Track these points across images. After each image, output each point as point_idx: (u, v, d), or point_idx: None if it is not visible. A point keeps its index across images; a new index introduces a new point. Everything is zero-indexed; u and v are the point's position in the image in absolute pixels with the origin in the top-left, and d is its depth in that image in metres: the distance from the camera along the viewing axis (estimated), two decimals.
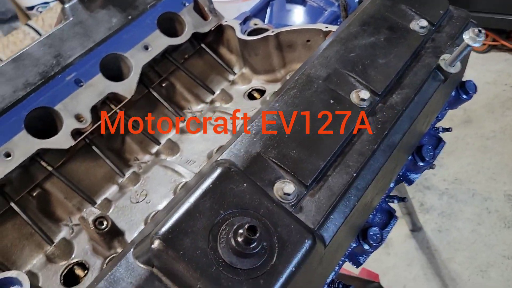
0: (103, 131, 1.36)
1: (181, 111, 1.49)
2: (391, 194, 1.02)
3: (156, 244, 0.62)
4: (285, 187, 0.71)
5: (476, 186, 3.32)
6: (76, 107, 1.27)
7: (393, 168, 0.88)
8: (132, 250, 0.65)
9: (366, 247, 0.89)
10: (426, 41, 0.97)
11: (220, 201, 0.66)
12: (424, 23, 0.96)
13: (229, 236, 0.63)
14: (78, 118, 1.27)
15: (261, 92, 1.52)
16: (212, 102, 1.49)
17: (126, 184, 1.27)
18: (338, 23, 1.43)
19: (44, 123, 1.26)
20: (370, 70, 0.87)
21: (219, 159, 0.74)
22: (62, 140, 1.23)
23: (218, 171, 0.69)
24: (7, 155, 1.16)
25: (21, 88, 1.24)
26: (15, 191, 1.21)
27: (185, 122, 1.40)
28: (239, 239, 0.61)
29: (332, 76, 0.86)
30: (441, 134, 1.14)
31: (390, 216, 0.95)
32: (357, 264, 0.93)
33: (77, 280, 1.12)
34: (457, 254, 3.12)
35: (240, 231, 0.61)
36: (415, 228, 3.09)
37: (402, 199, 1.04)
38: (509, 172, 3.25)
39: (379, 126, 0.82)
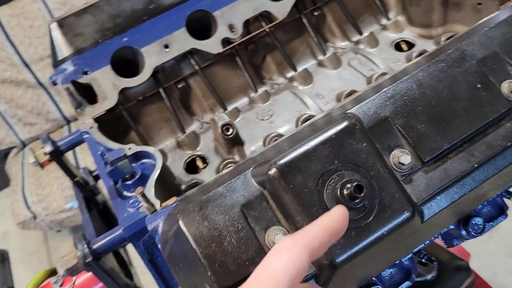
0: (248, 45, 1.45)
1: (324, 43, 1.50)
2: (509, 190, 0.98)
3: (273, 171, 0.71)
4: (402, 157, 0.74)
5: None
6: (231, 17, 1.36)
7: None
8: (251, 169, 0.75)
9: (464, 233, 0.90)
10: None
11: (337, 152, 0.72)
12: None
13: (337, 186, 0.69)
14: (231, 28, 1.36)
15: (410, 44, 1.46)
16: (357, 42, 1.48)
17: (257, 100, 1.37)
18: None
19: (199, 25, 1.38)
20: None
21: (348, 111, 0.79)
22: (212, 45, 1.34)
23: (343, 124, 0.74)
24: (166, 46, 1.31)
25: None
26: (165, 78, 1.38)
27: (326, 56, 1.42)
28: (345, 192, 0.67)
29: (488, 59, 0.82)
30: None
31: (501, 212, 0.93)
32: (449, 244, 0.95)
33: (196, 169, 1.29)
34: None
35: (348, 185, 0.67)
36: None
37: (508, 195, 1.00)
38: None
39: None
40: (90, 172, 1.56)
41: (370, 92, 0.85)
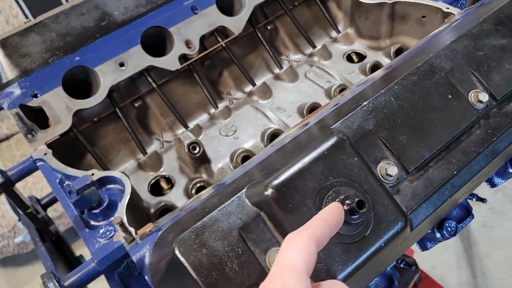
0: (205, 61, 1.43)
1: (279, 56, 1.52)
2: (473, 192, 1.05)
3: (269, 192, 0.70)
4: (389, 169, 0.76)
5: None
6: (187, 33, 1.33)
7: (488, 172, 0.90)
8: (245, 190, 0.73)
9: (438, 235, 0.95)
10: None
11: (331, 168, 0.73)
12: None
13: (335, 202, 0.70)
14: (187, 44, 1.34)
15: (360, 56, 1.52)
16: (311, 55, 1.51)
17: (218, 116, 1.35)
18: (458, 6, 1.38)
19: (154, 42, 1.34)
20: (494, 73, 0.88)
21: (333, 127, 0.80)
22: (170, 62, 1.31)
23: (334, 140, 0.75)
24: (122, 64, 1.26)
25: (143, 4, 1.31)
26: (120, 97, 1.32)
27: (283, 70, 1.44)
28: (345, 208, 0.68)
29: (455, 71, 0.87)
30: None
31: (468, 213, 0.99)
32: (424, 248, 0.99)
33: (160, 191, 1.24)
34: (495, 252, 3.13)
35: (348, 201, 0.68)
36: None
37: (481, 199, 1.07)
38: None
39: (489, 131, 0.84)
40: (38, 201, 1.45)
41: (348, 108, 0.86)
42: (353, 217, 0.68)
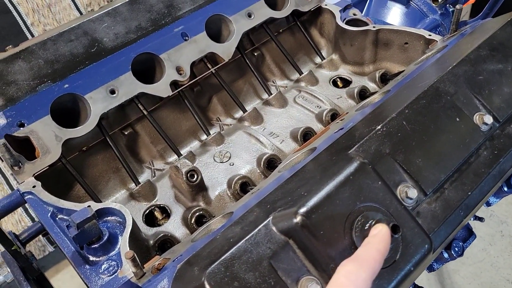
0: (194, 87, 1.42)
1: (266, 82, 1.53)
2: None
3: (299, 219, 0.69)
4: (409, 192, 0.77)
5: (495, 208, 3.39)
6: (178, 59, 1.32)
7: (493, 191, 0.93)
8: (271, 218, 0.71)
9: (446, 256, 0.96)
10: None
11: (357, 193, 0.72)
12: None
13: (365, 227, 0.69)
14: (178, 70, 1.32)
15: (345, 81, 1.55)
16: (297, 81, 1.53)
17: (210, 142, 1.33)
18: (437, 32, 1.44)
19: (145, 68, 1.31)
20: (494, 97, 0.92)
21: (351, 152, 0.80)
22: (161, 88, 1.28)
23: (356, 164, 0.75)
24: (112, 92, 1.22)
25: (133, 31, 1.28)
26: (109, 126, 1.28)
27: (272, 95, 1.44)
28: None
29: (459, 95, 0.90)
30: None
31: (470, 233, 1.02)
32: (430, 269, 1.00)
33: (153, 221, 1.20)
34: (463, 268, 3.22)
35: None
36: None
37: (479, 219, 1.10)
38: None
39: (495, 152, 0.87)
40: (16, 237, 1.36)
41: (357, 129, 0.87)
42: None
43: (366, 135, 0.83)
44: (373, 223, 0.69)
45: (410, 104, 0.87)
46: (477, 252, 3.26)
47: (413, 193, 0.77)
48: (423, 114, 0.86)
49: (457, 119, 0.87)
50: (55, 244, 3.09)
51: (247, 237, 0.70)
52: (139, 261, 0.84)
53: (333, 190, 0.72)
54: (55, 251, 3.09)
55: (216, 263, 0.67)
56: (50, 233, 1.02)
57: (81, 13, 2.91)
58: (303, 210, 0.70)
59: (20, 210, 2.97)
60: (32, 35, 2.78)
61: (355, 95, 1.41)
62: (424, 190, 0.79)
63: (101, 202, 1.18)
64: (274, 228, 0.71)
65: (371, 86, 1.48)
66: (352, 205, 0.71)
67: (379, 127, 0.84)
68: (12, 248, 1.16)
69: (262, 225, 0.71)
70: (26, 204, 1.08)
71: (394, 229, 0.66)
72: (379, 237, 0.65)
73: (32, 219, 2.92)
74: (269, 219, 0.72)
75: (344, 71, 1.57)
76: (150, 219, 1.20)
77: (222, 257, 0.68)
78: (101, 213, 1.02)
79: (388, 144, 0.82)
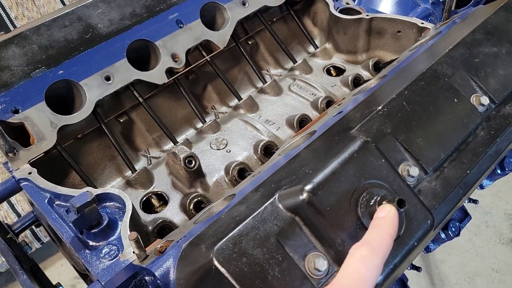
0: (189, 75, 1.41)
1: (260, 71, 1.53)
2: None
3: (305, 196, 0.69)
4: (411, 170, 0.78)
5: (480, 199, 3.46)
6: (173, 47, 1.31)
7: (488, 173, 0.95)
8: (277, 195, 0.72)
9: (443, 236, 0.98)
10: None
11: (361, 171, 0.73)
12: None
13: (370, 203, 0.70)
14: (174, 57, 1.31)
15: (338, 69, 1.57)
16: (292, 69, 1.53)
17: (206, 130, 1.32)
18: (428, 21, 1.46)
19: (139, 55, 1.30)
20: (490, 79, 0.93)
21: (353, 131, 0.81)
22: (157, 76, 1.27)
23: (360, 142, 0.76)
24: (107, 78, 1.21)
25: (128, 17, 1.27)
26: (104, 113, 1.27)
27: (267, 83, 1.44)
28: None
29: (457, 77, 0.91)
30: None
31: (465, 214, 1.03)
32: (427, 250, 1.02)
33: (150, 208, 1.19)
34: (450, 258, 3.28)
35: (384, 202, 0.68)
36: None
37: (474, 201, 1.12)
38: None
39: (492, 132, 0.89)
40: (9, 227, 1.34)
41: (363, 113, 0.88)
42: None
43: (367, 115, 0.84)
44: (379, 199, 0.70)
45: (409, 85, 0.88)
46: (463, 242, 3.32)
47: (415, 171, 0.78)
48: (423, 95, 0.87)
49: (455, 100, 0.88)
50: (42, 241, 3.06)
51: (253, 215, 0.70)
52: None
53: (338, 168, 0.72)
54: (41, 248, 3.05)
55: (224, 240, 0.68)
56: (48, 219, 1.01)
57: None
58: (309, 187, 0.70)
59: (5, 206, 2.93)
60: None
61: (349, 82, 1.42)
62: (424, 169, 0.81)
63: (96, 188, 1.17)
64: (280, 206, 0.72)
65: (365, 74, 1.49)
66: (357, 182, 0.72)
67: (379, 107, 0.85)
68: (7, 237, 1.15)
69: (268, 202, 0.72)
70: (12, 200, 1.06)
71: (400, 203, 0.66)
72: (388, 219, 0.66)
73: (18, 215, 2.87)
74: (275, 196, 0.73)
75: (338, 59, 1.58)
76: (147, 207, 1.20)
77: (230, 234, 0.68)
78: (100, 199, 1.01)
79: (389, 124, 0.83)
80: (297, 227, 0.70)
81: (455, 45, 0.96)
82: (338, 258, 0.69)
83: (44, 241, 3.00)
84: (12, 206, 2.92)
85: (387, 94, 0.89)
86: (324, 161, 0.74)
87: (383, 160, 0.75)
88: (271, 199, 0.72)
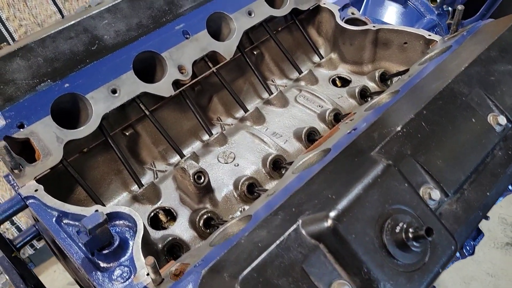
0: (195, 86, 1.39)
1: (266, 81, 1.52)
2: None
3: (330, 223, 0.68)
4: (432, 193, 0.77)
5: None
6: (180, 58, 1.29)
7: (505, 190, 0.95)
8: (300, 221, 0.71)
9: (458, 255, 0.97)
10: None
11: (385, 195, 0.72)
12: None
13: (396, 230, 0.69)
14: (180, 69, 1.29)
15: (344, 80, 1.56)
16: (297, 80, 1.52)
17: (213, 143, 1.30)
18: (434, 33, 1.45)
19: (145, 65, 1.28)
20: (506, 97, 0.93)
21: (373, 153, 0.80)
22: (163, 88, 1.25)
23: (382, 166, 0.75)
24: (114, 91, 1.19)
25: (134, 28, 1.25)
26: (110, 126, 1.24)
27: (273, 95, 1.42)
28: (410, 235, 0.67)
29: (473, 96, 0.91)
30: None
31: (479, 232, 1.03)
32: None
33: (158, 224, 1.17)
34: None
35: (412, 229, 0.67)
36: None
37: (485, 217, 1.11)
38: (508, 198, 3.42)
39: (509, 152, 0.88)
40: (10, 242, 1.31)
41: (375, 130, 0.87)
42: (416, 244, 0.68)
43: (387, 136, 0.83)
44: (405, 226, 0.69)
45: (428, 105, 0.87)
46: None
47: (436, 194, 0.78)
48: (441, 115, 0.87)
49: (473, 120, 0.88)
50: (35, 247, 3.01)
51: (277, 242, 0.69)
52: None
53: (362, 193, 0.71)
54: (33, 254, 3.00)
55: (248, 269, 0.66)
56: (56, 239, 0.98)
57: (58, 8, 2.81)
58: (333, 214, 0.69)
59: None
60: (7, 30, 2.68)
61: (356, 94, 1.41)
62: (445, 191, 0.80)
63: (104, 205, 1.15)
64: (304, 232, 0.70)
65: (371, 85, 1.49)
66: (381, 208, 0.71)
67: (398, 128, 0.84)
68: (12, 255, 1.12)
69: (292, 229, 0.70)
70: None
71: (428, 233, 0.65)
72: None
73: (19, 230, 2.81)
74: (298, 223, 0.71)
75: (343, 70, 1.57)
76: (154, 222, 1.17)
77: (254, 263, 0.67)
78: (110, 217, 0.99)
79: (409, 145, 0.82)
80: (322, 254, 0.69)
81: (471, 62, 0.96)
82: (363, 286, 0.67)
83: (38, 247, 2.95)
84: (11, 220, 2.88)
85: (404, 113, 0.88)
86: (347, 186, 0.73)
87: (406, 185, 0.74)
88: (295, 226, 0.71)
